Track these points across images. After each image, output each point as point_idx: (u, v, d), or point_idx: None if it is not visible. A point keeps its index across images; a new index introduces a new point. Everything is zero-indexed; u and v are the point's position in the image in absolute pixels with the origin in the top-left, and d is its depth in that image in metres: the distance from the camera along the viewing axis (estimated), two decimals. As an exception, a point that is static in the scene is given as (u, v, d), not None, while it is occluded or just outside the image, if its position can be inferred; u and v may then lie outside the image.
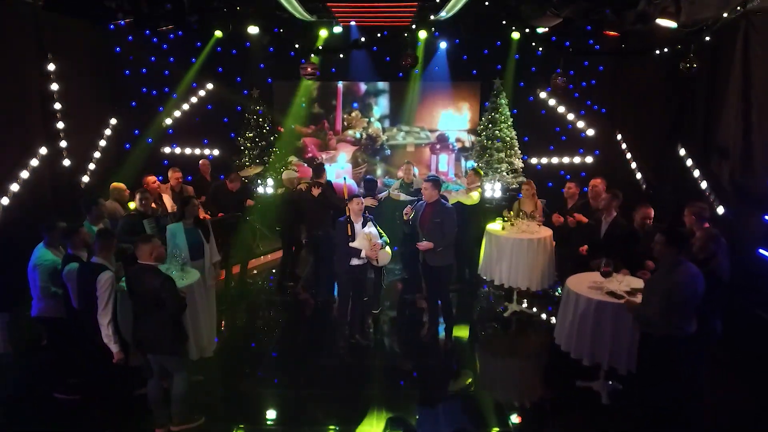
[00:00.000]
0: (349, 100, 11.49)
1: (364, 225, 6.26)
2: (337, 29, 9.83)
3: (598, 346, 5.24)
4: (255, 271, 9.28)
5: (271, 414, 5.44)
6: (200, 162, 9.44)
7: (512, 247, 7.16)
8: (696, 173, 7.41)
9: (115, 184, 6.97)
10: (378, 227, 6.36)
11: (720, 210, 6.88)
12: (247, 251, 8.95)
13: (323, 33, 9.91)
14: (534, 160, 11.25)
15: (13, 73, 7.07)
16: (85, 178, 8.68)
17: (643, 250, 5.55)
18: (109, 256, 4.77)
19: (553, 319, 6.71)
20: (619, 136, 10.23)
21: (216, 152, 11.28)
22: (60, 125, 7.99)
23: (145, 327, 4.65)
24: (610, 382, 5.56)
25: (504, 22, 8.28)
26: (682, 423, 4.81)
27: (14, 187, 6.94)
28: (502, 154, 10.46)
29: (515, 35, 9.50)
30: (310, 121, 11.56)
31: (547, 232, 7.34)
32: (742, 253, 6.13)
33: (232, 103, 10.90)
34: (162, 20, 7.90)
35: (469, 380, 6.05)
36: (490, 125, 10.55)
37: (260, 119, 10.67)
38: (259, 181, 10.49)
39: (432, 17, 8.93)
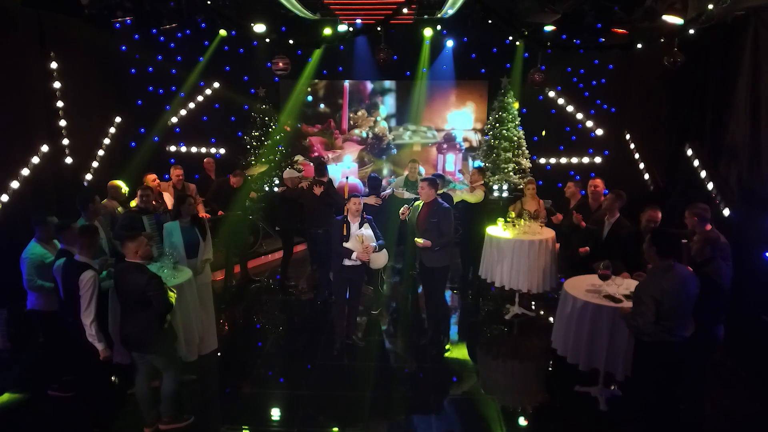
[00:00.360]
0: (355, 99, 11.43)
1: (361, 225, 6.18)
2: (342, 27, 9.76)
3: (594, 350, 5.12)
4: (257, 270, 9.25)
5: (262, 414, 5.39)
6: (205, 160, 9.46)
7: (513, 249, 7.04)
8: (703, 174, 7.21)
9: (111, 182, 6.99)
10: (376, 229, 6.27)
11: (726, 212, 6.68)
12: (248, 250, 8.94)
13: (327, 31, 9.83)
14: (543, 160, 11.08)
15: (15, 71, 7.12)
16: (89, 176, 8.71)
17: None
18: (91, 254, 4.75)
19: (555, 322, 6.57)
20: (627, 136, 10.02)
21: (222, 151, 11.29)
22: (62, 123, 8.04)
23: (131, 325, 4.62)
24: (613, 387, 5.42)
25: (506, 21, 8.13)
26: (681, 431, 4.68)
27: (14, 185, 6.99)
28: (509, 154, 10.30)
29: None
30: (316, 120, 11.52)
31: (549, 234, 7.21)
32: (749, 256, 5.93)
33: (239, 102, 10.90)
34: (165, 19, 7.90)
35: (466, 383, 5.94)
36: (497, 124, 10.40)
37: (266, 118, 10.65)
38: (267, 180, 10.47)
39: (437, 15, 8.80)
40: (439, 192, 7.04)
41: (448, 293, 8.37)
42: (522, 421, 5.25)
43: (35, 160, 7.38)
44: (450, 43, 10.49)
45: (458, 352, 6.70)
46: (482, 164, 10.57)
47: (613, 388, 5.44)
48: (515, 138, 10.35)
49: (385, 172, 11.52)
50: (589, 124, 10.87)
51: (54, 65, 7.80)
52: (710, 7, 6.13)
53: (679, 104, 8.05)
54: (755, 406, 5.46)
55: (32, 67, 7.52)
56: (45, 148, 7.58)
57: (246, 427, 5.18)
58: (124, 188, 6.95)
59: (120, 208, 6.77)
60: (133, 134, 10.02)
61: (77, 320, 4.56)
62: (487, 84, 11.02)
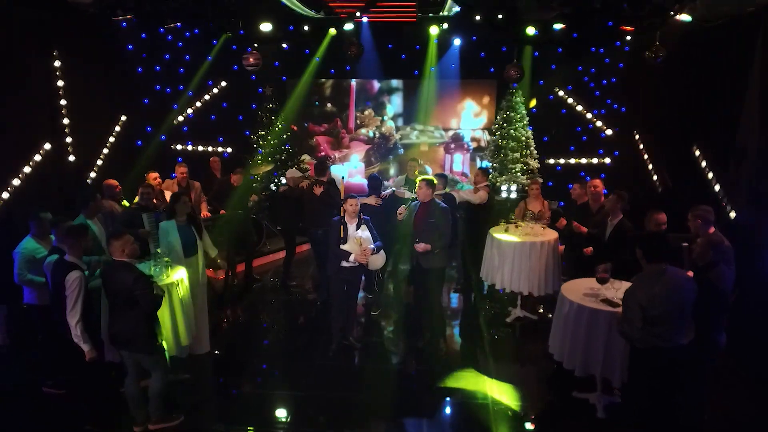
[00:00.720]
0: (362, 98, 11.36)
1: (358, 227, 6.10)
2: (349, 26, 9.71)
3: (590, 356, 4.98)
4: (261, 270, 9.22)
5: (257, 415, 5.32)
6: (211, 159, 9.47)
7: (515, 250, 6.90)
8: (710, 175, 7.00)
9: (107, 181, 7.01)
10: (374, 230, 6.19)
11: (732, 215, 6.48)
12: (250, 249, 8.91)
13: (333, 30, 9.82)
14: (553, 161, 10.91)
15: (18, 69, 7.18)
16: (93, 174, 8.76)
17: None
18: (79, 254, 4.74)
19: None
20: (636, 137, 9.80)
21: (230, 150, 11.30)
22: (66, 121, 8.09)
23: (120, 324, 4.61)
24: (616, 392, 5.26)
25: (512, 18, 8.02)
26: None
27: (16, 182, 7.04)
28: (517, 154, 10.14)
29: (530, 31, 9.17)
30: (323, 119, 11.48)
31: (551, 235, 7.06)
32: (756, 260, 5.73)
33: (246, 100, 10.89)
34: (168, 18, 7.90)
35: (462, 387, 5.82)
36: (505, 124, 10.26)
37: (273, 117, 10.63)
38: (274, 179, 10.45)
39: (442, 12, 8.69)
40: (442, 192, 6.96)
41: (454, 295, 8.30)
42: (516, 427, 5.13)
43: (37, 158, 7.43)
44: (457, 42, 10.36)
45: (456, 354, 6.60)
46: (489, 164, 10.45)
47: (615, 393, 5.27)
48: (523, 138, 10.20)
49: (392, 171, 11.43)
50: (600, 124, 10.67)
51: (57, 63, 7.85)
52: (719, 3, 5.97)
53: (688, 103, 7.83)
54: (759, 417, 5.28)
55: (35, 65, 7.58)
56: (47, 146, 7.63)
57: (240, 427, 5.13)
58: (119, 187, 6.95)
59: (118, 206, 6.77)
60: (139, 133, 10.05)
61: (64, 318, 4.56)
62: (496, 83, 10.87)
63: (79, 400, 5.26)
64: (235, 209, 8.16)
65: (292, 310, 7.83)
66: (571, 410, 5.32)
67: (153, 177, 7.61)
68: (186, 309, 5.46)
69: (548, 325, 6.79)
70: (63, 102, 7.98)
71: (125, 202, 7.05)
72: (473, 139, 11.27)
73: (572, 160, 10.89)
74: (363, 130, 11.42)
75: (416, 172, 8.21)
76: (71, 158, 8.15)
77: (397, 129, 11.37)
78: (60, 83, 7.92)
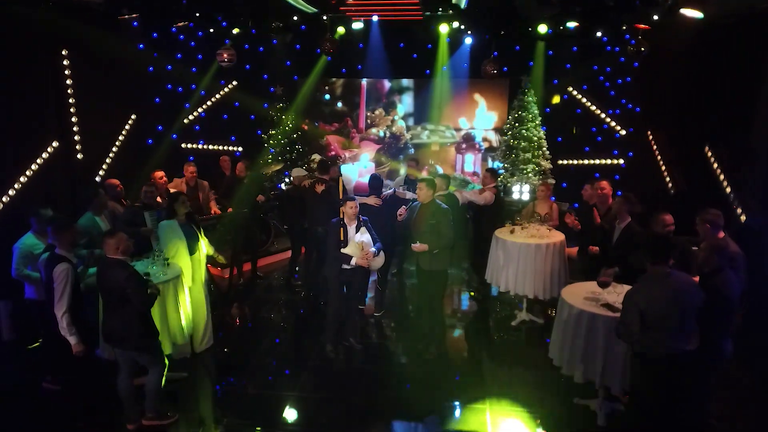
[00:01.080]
0: (372, 97, 11.31)
1: (358, 229, 6.04)
2: (358, 25, 9.66)
3: (589, 362, 4.84)
4: (268, 269, 9.21)
5: (253, 415, 5.29)
6: (221, 158, 9.50)
7: (519, 252, 6.78)
8: (722, 177, 6.80)
9: (109, 180, 7.08)
10: (372, 231, 6.12)
11: (743, 218, 6.27)
12: (259, 248, 8.93)
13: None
14: (566, 162, 10.72)
15: (27, 68, 7.28)
16: (102, 173, 8.84)
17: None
18: (68, 248, 4.78)
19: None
20: (650, 137, 9.57)
21: (241, 149, 11.34)
22: (74, 120, 8.18)
23: (113, 321, 4.63)
24: (623, 397, 5.11)
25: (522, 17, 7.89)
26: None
27: (23, 179, 7.13)
28: (528, 155, 9.99)
29: (541, 28, 9.01)
30: (334, 118, 11.45)
31: (557, 237, 6.91)
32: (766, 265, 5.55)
33: (258, 100, 10.93)
34: (176, 17, 7.93)
35: (460, 391, 5.71)
36: (517, 124, 10.11)
37: (283, 116, 10.64)
38: (284, 179, 10.47)
39: (449, 10, 8.58)
40: (444, 193, 6.86)
41: (464, 297, 8.20)
42: (513, 432, 5.04)
43: (44, 156, 7.50)
44: (468, 41, 10.23)
45: (458, 358, 6.51)
46: (501, 165, 10.32)
47: (623, 400, 5.12)
48: (535, 138, 10.04)
49: (402, 171, 11.35)
50: (615, 124, 10.46)
51: (66, 62, 7.94)
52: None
53: (701, 102, 7.62)
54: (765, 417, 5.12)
55: (44, 64, 7.67)
56: (55, 144, 7.71)
57: (237, 426, 5.11)
58: (120, 186, 7.00)
59: (119, 206, 6.82)
60: (150, 132, 10.13)
61: (53, 313, 4.60)
62: (508, 82, 10.73)
63: (74, 397, 5.29)
64: (241, 208, 8.19)
65: (295, 310, 7.80)
66: (570, 417, 5.19)
67: (159, 176, 7.65)
68: (183, 307, 5.46)
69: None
70: (72, 100, 8.07)
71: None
72: (485, 139, 11.14)
73: (586, 161, 10.69)
74: (373, 130, 11.36)
75: (415, 172, 8.15)
76: (79, 156, 8.23)
77: (408, 128, 11.29)
78: (69, 81, 8.00)
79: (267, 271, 9.08)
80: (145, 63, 9.63)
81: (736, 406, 5.30)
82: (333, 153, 11.43)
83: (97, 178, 8.58)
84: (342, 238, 6.03)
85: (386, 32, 10.15)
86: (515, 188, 10.15)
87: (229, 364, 6.22)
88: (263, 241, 9.44)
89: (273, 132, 10.60)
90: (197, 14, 7.55)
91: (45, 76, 7.69)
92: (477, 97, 11.00)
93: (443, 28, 9.28)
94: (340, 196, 6.52)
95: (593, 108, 10.53)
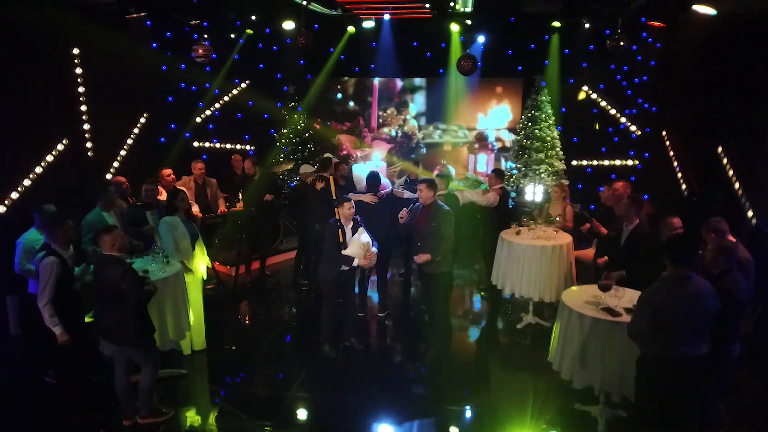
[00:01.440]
0: (384, 96, 11.25)
1: (354, 230, 5.98)
2: (369, 24, 9.62)
3: (588, 367, 4.70)
4: (276, 268, 9.21)
5: (250, 414, 5.26)
6: (232, 156, 9.54)
7: (525, 254, 6.65)
8: (734, 179, 6.57)
9: (115, 177, 7.14)
10: (367, 230, 6.06)
11: (754, 222, 6.05)
12: (268, 247, 8.93)
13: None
14: (583, 162, 10.52)
15: (38, 67, 7.38)
16: (112, 171, 8.94)
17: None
18: (60, 242, 4.83)
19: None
20: (665, 137, 9.33)
21: (254, 147, 11.39)
22: (84, 118, 8.27)
23: (109, 318, 4.65)
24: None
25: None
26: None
27: (32, 177, 7.24)
28: (541, 155, 9.82)
29: (555, 25, 8.85)
30: (345, 118, 11.42)
31: (564, 239, 6.76)
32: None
33: (271, 99, 10.95)
34: (187, 16, 7.96)
35: (459, 394, 5.61)
36: (530, 124, 9.95)
37: (295, 115, 10.65)
38: (296, 178, 10.46)
39: (457, 8, 8.48)
40: (444, 192, 6.75)
41: (475, 298, 8.10)
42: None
43: (54, 153, 7.61)
44: (481, 39, 10.09)
45: (459, 360, 6.40)
46: (513, 165, 10.17)
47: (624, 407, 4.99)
48: (549, 138, 9.87)
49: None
50: (630, 125, 10.23)
51: (77, 61, 8.04)
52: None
53: (716, 102, 7.38)
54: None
55: (54, 63, 7.77)
56: (65, 142, 7.81)
57: (232, 426, 5.11)
58: (126, 183, 7.05)
59: (124, 203, 6.87)
60: (163, 130, 10.22)
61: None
62: (522, 81, 10.57)
63: (71, 392, 5.33)
64: (249, 206, 8.20)
65: (298, 309, 7.78)
66: (570, 423, 5.06)
67: (167, 174, 7.69)
68: (180, 305, 5.47)
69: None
70: (82, 99, 8.17)
71: None
72: (497, 139, 11.00)
73: (601, 162, 10.48)
74: (385, 129, 11.30)
75: (415, 170, 8.07)
76: (90, 154, 8.33)
77: (420, 128, 11.21)
78: (80, 80, 8.10)
79: (275, 270, 9.08)
80: (158, 62, 9.70)
81: (746, 413, 5.12)
82: (345, 152, 11.40)
83: (108, 176, 8.65)
84: (341, 240, 5.95)
85: (398, 31, 10.09)
86: (528, 189, 9.99)
87: (226, 362, 6.20)
88: (272, 239, 9.45)
89: (285, 131, 10.62)
90: (203, 14, 7.53)
91: (56, 76, 7.78)
92: (490, 96, 10.84)
93: (454, 27, 9.17)
94: (333, 196, 6.45)
95: (609, 108, 10.30)
